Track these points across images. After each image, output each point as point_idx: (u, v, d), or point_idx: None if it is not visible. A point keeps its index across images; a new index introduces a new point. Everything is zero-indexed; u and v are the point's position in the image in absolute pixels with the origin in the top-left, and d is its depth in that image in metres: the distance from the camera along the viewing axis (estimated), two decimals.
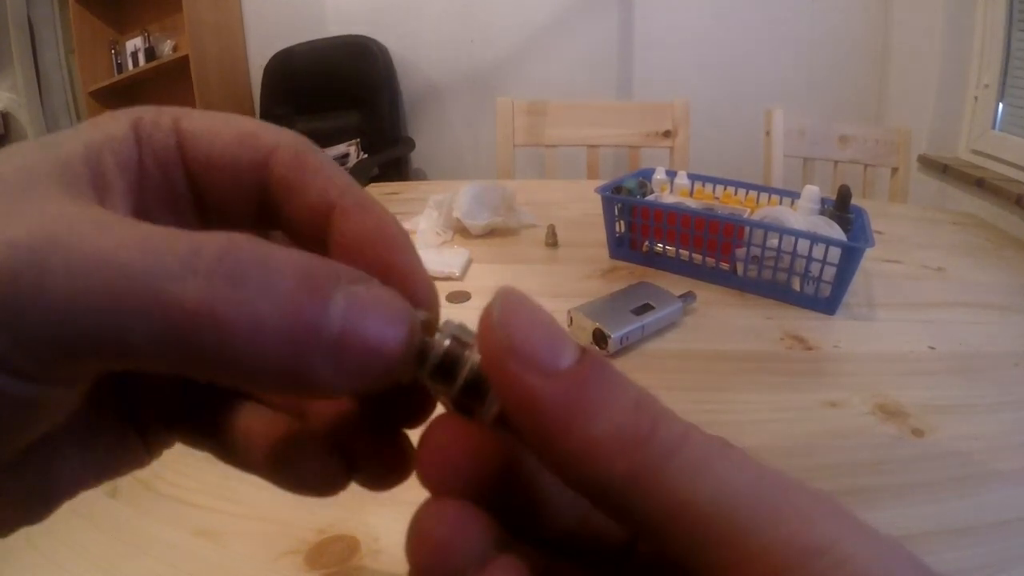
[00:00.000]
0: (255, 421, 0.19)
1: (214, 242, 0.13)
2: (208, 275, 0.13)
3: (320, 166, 0.18)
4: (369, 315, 0.14)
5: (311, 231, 0.18)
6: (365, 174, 2.02)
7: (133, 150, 0.17)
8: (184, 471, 0.43)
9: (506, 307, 0.13)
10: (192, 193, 0.18)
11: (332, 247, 0.18)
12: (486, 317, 0.13)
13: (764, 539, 0.12)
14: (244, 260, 0.13)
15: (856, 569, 0.11)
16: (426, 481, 0.15)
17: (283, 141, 0.18)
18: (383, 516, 0.40)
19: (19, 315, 0.12)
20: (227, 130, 0.18)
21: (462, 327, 0.15)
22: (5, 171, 0.14)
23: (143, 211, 0.17)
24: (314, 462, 0.18)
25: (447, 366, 0.15)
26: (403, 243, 0.18)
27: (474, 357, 0.15)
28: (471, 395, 0.15)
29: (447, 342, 0.15)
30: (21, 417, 0.13)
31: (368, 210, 0.18)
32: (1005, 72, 1.72)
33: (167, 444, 0.21)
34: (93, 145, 0.16)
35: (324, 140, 2.16)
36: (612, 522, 0.15)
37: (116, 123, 0.17)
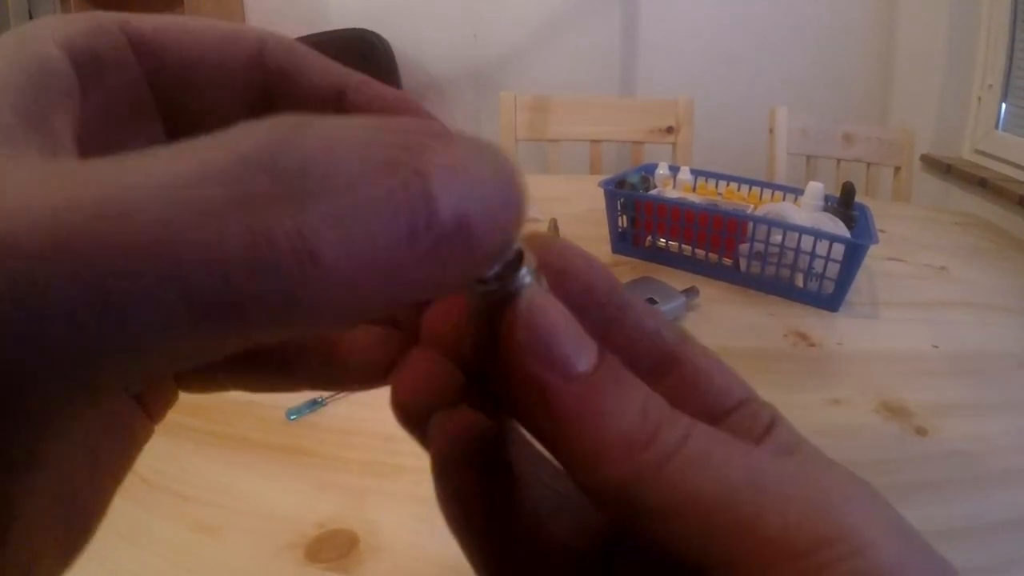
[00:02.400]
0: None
1: (250, 142, 0.09)
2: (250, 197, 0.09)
3: (313, 53, 0.16)
4: (483, 195, 0.11)
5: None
6: None
7: (71, 79, 0.13)
8: (183, 466, 0.43)
9: (533, 306, 0.13)
10: (164, 113, 0.16)
11: None
12: (512, 313, 0.13)
13: (771, 529, 0.11)
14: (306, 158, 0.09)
15: (868, 560, 0.11)
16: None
17: (267, 35, 0.16)
18: (382, 511, 0.40)
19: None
20: (204, 33, 0.15)
21: None
22: None
23: (98, 152, 0.13)
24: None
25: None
26: (428, 112, 0.16)
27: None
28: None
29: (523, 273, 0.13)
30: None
31: (378, 85, 0.16)
32: (1009, 73, 1.71)
33: (169, 401, 0.18)
34: (22, 88, 0.12)
35: None
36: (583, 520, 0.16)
37: (39, 45, 0.13)
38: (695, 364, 0.16)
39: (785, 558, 0.11)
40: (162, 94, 0.15)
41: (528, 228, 0.14)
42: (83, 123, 0.13)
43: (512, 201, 0.11)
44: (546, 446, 0.13)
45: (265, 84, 0.16)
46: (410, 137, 0.11)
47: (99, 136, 0.14)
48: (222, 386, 0.18)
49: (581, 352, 0.13)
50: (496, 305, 0.13)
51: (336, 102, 0.16)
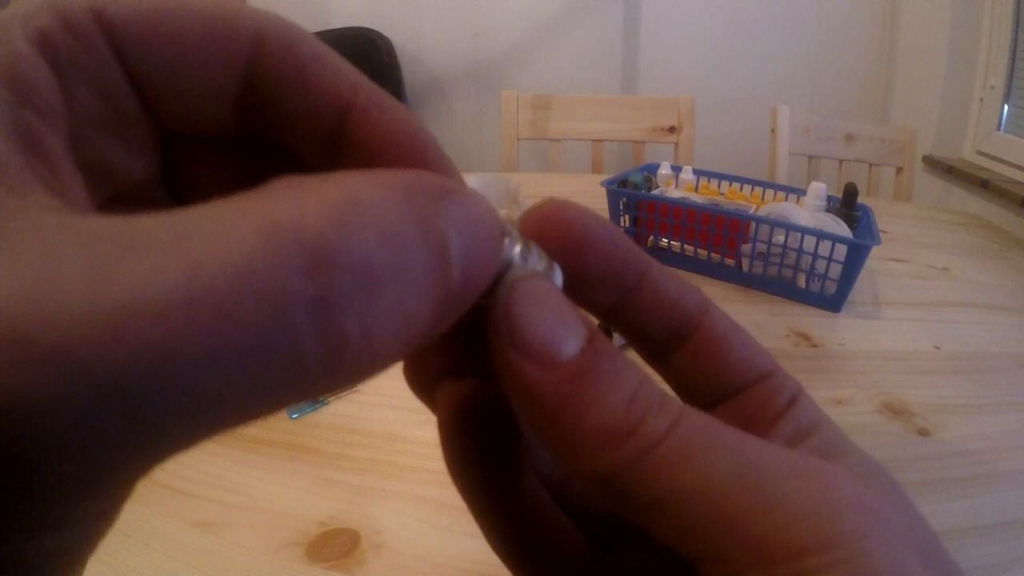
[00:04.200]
0: None
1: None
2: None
3: (320, 56, 0.14)
4: (479, 242, 0.11)
5: (317, 135, 0.15)
6: None
7: (52, 84, 0.11)
8: (184, 462, 0.43)
9: (514, 291, 0.13)
10: (144, 110, 0.14)
11: (348, 152, 0.15)
12: (492, 301, 0.13)
13: (755, 528, 0.11)
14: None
15: (858, 571, 0.11)
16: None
17: (266, 26, 0.14)
18: (385, 509, 0.40)
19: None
20: (186, 22, 0.13)
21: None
22: None
23: (87, 162, 0.12)
24: None
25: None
26: (434, 145, 0.15)
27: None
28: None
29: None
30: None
31: (389, 109, 0.15)
32: (1011, 74, 1.71)
33: None
34: (3, 104, 0.10)
35: None
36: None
37: (9, 45, 0.11)
38: (714, 334, 0.16)
39: (768, 561, 0.11)
40: (142, 93, 0.13)
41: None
42: (71, 135, 0.12)
43: (497, 236, 0.12)
44: (534, 434, 0.13)
45: (257, 89, 0.14)
46: (436, 208, 0.11)
47: (88, 147, 0.12)
48: None
49: (566, 337, 0.12)
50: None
51: (337, 124, 0.14)
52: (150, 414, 0.08)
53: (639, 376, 0.13)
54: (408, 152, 0.14)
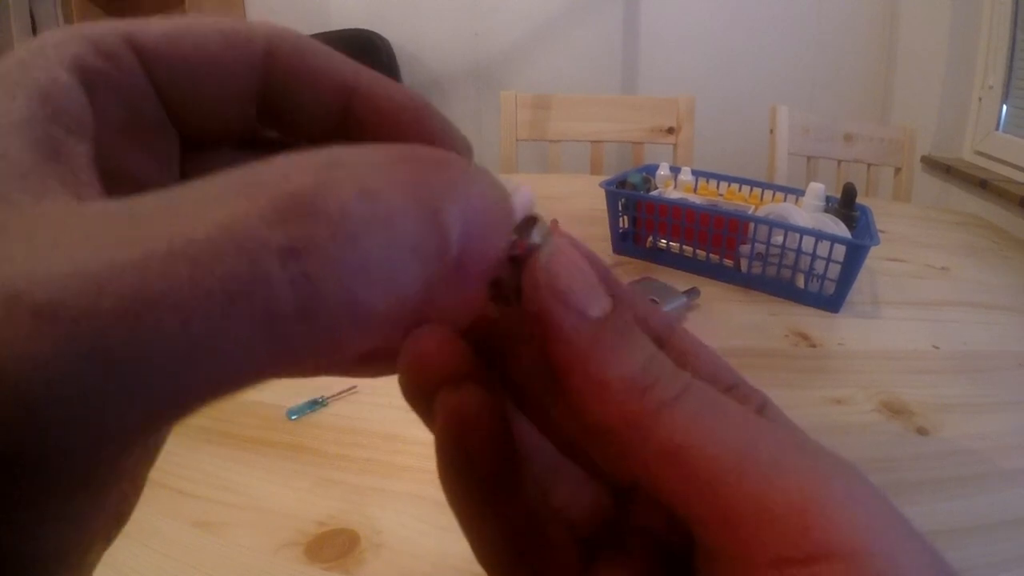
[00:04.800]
0: None
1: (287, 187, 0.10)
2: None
3: (323, 52, 0.16)
4: (484, 221, 0.12)
5: (326, 122, 0.16)
6: None
7: (82, 103, 0.13)
8: (184, 462, 0.43)
9: (554, 252, 0.14)
10: (168, 117, 0.15)
11: (356, 131, 0.16)
12: (535, 258, 0.14)
13: (751, 485, 0.12)
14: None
15: (839, 531, 0.11)
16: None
17: (276, 34, 0.16)
18: (384, 510, 0.40)
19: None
20: (209, 39, 0.15)
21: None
22: None
23: (113, 170, 0.13)
24: None
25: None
26: (438, 117, 0.16)
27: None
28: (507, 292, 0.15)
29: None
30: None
31: (388, 85, 0.16)
32: (1010, 74, 1.71)
33: None
34: (34, 120, 0.12)
35: None
36: (577, 496, 0.17)
37: (46, 70, 0.12)
38: (682, 348, 0.17)
39: (766, 516, 0.12)
40: (171, 105, 0.15)
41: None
42: (99, 147, 0.13)
43: (506, 213, 0.13)
44: (561, 386, 0.14)
45: (273, 87, 0.16)
46: (427, 174, 0.12)
47: (116, 157, 0.14)
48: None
49: (595, 300, 0.14)
50: (515, 261, 0.15)
51: (344, 107, 0.16)
52: (134, 368, 0.08)
53: (653, 348, 0.14)
54: (412, 125, 0.16)
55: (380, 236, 0.10)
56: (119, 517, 0.14)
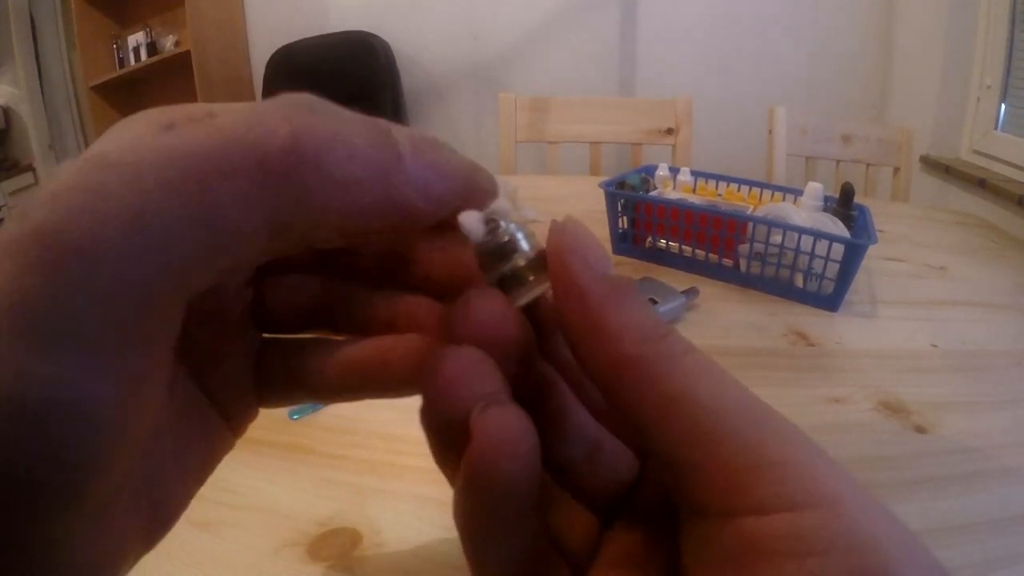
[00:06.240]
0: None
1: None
2: (288, 115, 0.14)
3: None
4: (426, 145, 0.16)
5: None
6: None
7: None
8: None
9: (571, 223, 0.17)
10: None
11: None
12: (556, 223, 0.17)
13: (749, 439, 0.13)
14: (314, 102, 0.15)
15: (816, 484, 0.13)
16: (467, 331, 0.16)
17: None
18: (385, 509, 0.40)
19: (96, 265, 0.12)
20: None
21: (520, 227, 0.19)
22: None
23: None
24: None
25: (509, 246, 0.18)
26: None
27: (522, 245, 0.18)
28: (514, 279, 0.18)
29: (511, 226, 0.18)
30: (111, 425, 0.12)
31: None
32: (1008, 73, 1.71)
33: (250, 416, 0.22)
34: None
35: None
36: (615, 465, 0.18)
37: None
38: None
39: (754, 467, 0.13)
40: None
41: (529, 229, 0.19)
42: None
43: (453, 163, 0.17)
44: (578, 336, 0.16)
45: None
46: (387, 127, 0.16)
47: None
48: (298, 399, 0.23)
49: (606, 264, 0.16)
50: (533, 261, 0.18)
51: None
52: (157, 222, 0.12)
53: (657, 312, 0.16)
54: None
55: (348, 127, 0.15)
56: (152, 524, 0.16)
